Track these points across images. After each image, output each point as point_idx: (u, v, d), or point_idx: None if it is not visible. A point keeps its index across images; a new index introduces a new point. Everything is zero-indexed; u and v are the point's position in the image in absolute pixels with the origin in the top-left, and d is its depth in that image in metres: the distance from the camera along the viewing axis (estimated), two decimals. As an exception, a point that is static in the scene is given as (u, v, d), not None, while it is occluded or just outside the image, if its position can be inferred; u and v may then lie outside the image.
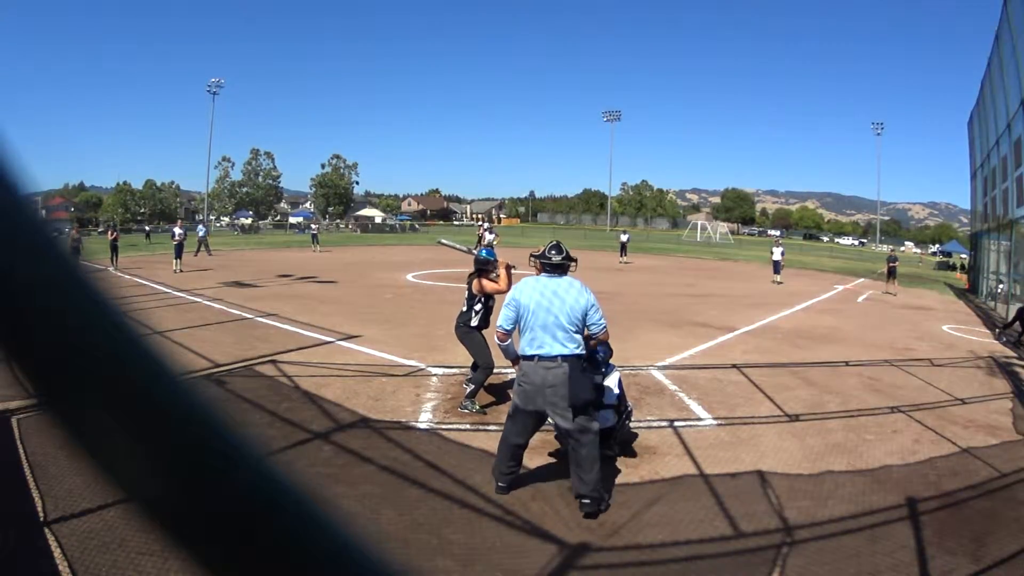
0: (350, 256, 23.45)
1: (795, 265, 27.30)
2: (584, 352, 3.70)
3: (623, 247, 24.16)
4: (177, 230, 15.87)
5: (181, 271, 14.96)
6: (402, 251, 26.73)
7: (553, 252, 3.84)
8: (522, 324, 3.69)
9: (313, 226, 28.25)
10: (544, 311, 3.61)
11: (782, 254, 19.10)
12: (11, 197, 0.25)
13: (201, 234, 21.16)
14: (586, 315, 3.68)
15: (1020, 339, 10.80)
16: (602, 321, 3.79)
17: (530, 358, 3.60)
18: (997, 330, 11.13)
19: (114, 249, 16.42)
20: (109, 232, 16.47)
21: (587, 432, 3.53)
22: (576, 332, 3.63)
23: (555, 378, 3.53)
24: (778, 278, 18.52)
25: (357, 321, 8.97)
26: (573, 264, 3.93)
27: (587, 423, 3.55)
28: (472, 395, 5.18)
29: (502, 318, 3.81)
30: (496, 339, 3.88)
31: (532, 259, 3.98)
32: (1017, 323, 10.97)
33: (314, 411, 5.00)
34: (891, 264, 18.02)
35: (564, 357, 3.55)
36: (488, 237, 17.25)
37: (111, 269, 14.96)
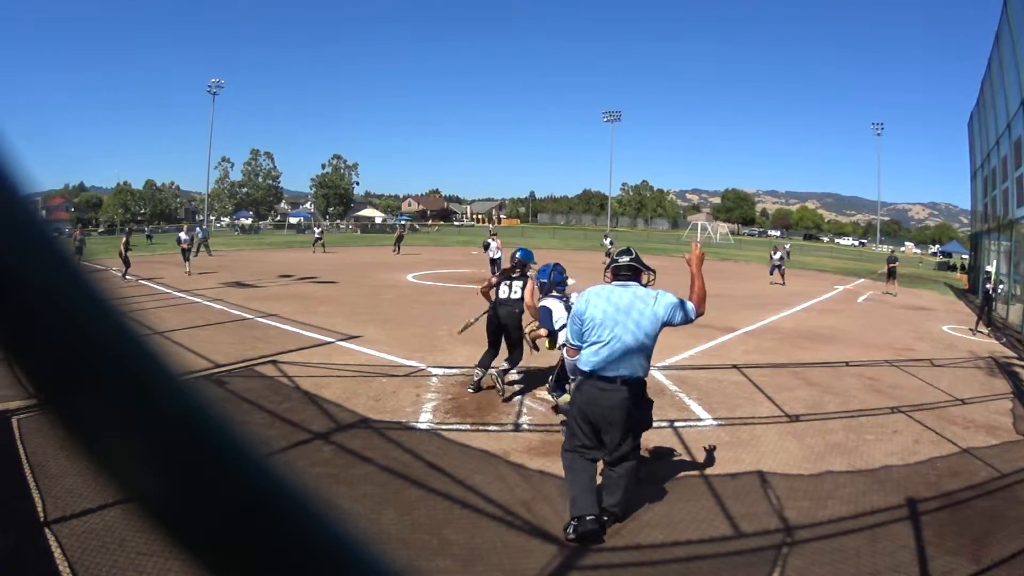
0: (350, 256, 23.45)
1: (796, 265, 27.31)
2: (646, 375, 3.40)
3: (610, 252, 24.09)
4: (183, 235, 16.12)
5: (189, 273, 15.06)
6: (402, 251, 26.69)
7: (623, 255, 3.57)
8: (585, 335, 3.39)
9: (316, 229, 28.13)
10: (608, 327, 3.30)
11: (780, 259, 19.01)
12: (11, 197, 0.25)
13: (200, 236, 21.20)
14: (662, 323, 3.33)
15: (977, 326, 11.06)
16: (691, 314, 3.39)
17: (588, 375, 3.35)
18: (994, 331, 11.16)
19: (126, 249, 16.33)
20: (123, 237, 16.40)
21: (624, 461, 3.39)
22: (644, 351, 3.33)
23: (610, 400, 3.28)
24: (780, 279, 18.40)
25: (357, 321, 8.97)
26: (652, 274, 3.59)
27: (628, 452, 3.38)
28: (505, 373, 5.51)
29: (570, 333, 3.55)
30: (565, 355, 3.72)
31: (606, 274, 3.67)
32: (985, 315, 11.37)
33: (314, 411, 5.00)
34: (891, 264, 18.01)
35: (625, 380, 3.29)
36: (492, 244, 16.73)
37: (112, 270, 14.96)
